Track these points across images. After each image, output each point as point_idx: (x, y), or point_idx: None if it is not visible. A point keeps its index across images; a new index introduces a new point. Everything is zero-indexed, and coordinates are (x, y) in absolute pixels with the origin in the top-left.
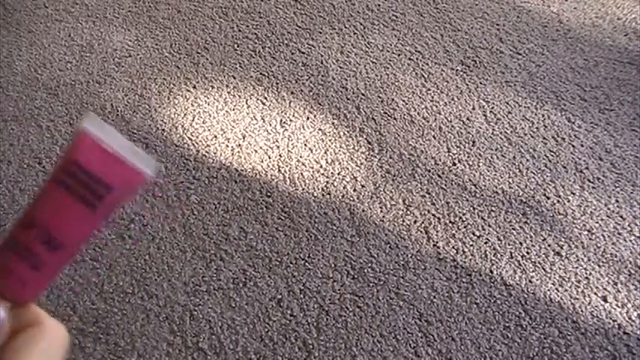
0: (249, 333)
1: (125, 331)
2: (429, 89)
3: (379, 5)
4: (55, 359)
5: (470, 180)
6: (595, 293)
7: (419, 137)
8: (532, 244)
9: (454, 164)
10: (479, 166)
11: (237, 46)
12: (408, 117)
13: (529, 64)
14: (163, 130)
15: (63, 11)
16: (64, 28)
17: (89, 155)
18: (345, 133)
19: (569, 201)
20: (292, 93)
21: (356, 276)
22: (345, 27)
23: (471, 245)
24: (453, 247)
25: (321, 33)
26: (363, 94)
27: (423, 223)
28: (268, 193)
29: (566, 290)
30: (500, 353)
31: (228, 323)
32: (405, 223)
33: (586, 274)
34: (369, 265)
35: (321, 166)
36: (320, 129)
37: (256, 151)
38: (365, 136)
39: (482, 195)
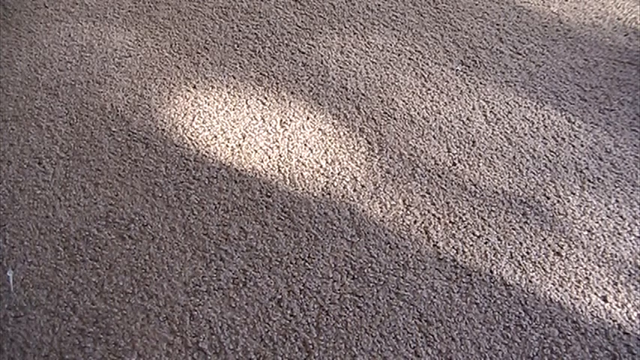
0: (249, 333)
1: (125, 331)
2: (429, 89)
3: (379, 5)
4: None
5: (470, 180)
6: (595, 293)
7: (419, 137)
8: (532, 244)
9: (454, 164)
10: (479, 166)
11: (237, 46)
12: (408, 117)
13: (529, 64)
14: (163, 130)
15: (63, 11)
16: (64, 28)
17: None
18: (345, 133)
19: (569, 201)
20: (292, 93)
21: (356, 276)
22: (345, 27)
23: (471, 245)
24: (453, 247)
25: (321, 33)
26: (363, 94)
27: (423, 223)
28: (268, 193)
29: (566, 290)
30: (500, 353)
31: (228, 323)
32: (405, 223)
33: (586, 274)
34: (369, 265)
35: (321, 166)
36: (320, 129)
37: (256, 151)
38: (365, 136)
39: (482, 195)
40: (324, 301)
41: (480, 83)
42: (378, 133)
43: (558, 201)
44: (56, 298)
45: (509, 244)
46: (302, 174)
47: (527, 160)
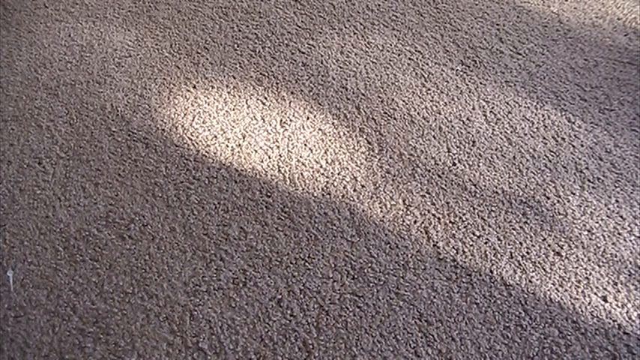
0: (249, 333)
1: (125, 331)
2: (429, 89)
3: (379, 5)
4: None
5: (470, 180)
6: (595, 293)
7: (419, 137)
8: (532, 244)
9: (454, 164)
10: (479, 166)
11: (237, 46)
12: (408, 117)
13: (529, 64)
14: (163, 130)
15: (63, 11)
16: (64, 28)
17: None
18: (345, 133)
19: (569, 201)
20: (292, 93)
21: (356, 276)
22: (345, 27)
23: (471, 245)
24: (453, 247)
25: (321, 33)
26: (363, 94)
27: (423, 223)
28: (268, 193)
29: (566, 290)
30: (500, 353)
31: (228, 323)
32: (405, 223)
33: (586, 274)
34: (369, 265)
35: (321, 166)
36: (320, 129)
37: (256, 151)
38: (365, 136)
39: (482, 195)
40: (324, 301)
41: (480, 83)
42: (378, 133)
43: (558, 201)
44: (56, 298)
45: (509, 244)
46: (302, 174)
47: (527, 160)
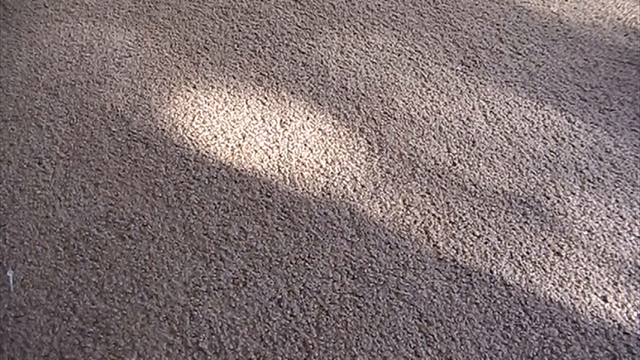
0: (249, 333)
1: (125, 331)
2: (429, 89)
3: (379, 5)
4: None
5: (470, 180)
6: (595, 293)
7: (419, 137)
8: (532, 244)
9: (454, 164)
10: (479, 166)
11: (237, 46)
12: (408, 117)
13: (529, 64)
14: (163, 130)
15: (63, 11)
16: (64, 28)
17: None
18: (345, 133)
19: (569, 201)
20: (292, 93)
21: (356, 276)
22: (345, 27)
23: (471, 245)
24: (453, 247)
25: (321, 33)
26: (363, 94)
27: (423, 223)
28: (268, 193)
29: (566, 290)
30: (500, 353)
31: (228, 323)
32: (405, 223)
33: (586, 274)
34: (369, 265)
35: (321, 166)
36: (320, 129)
37: (256, 151)
38: (365, 136)
39: (482, 195)
40: (324, 301)
41: (480, 83)
42: (378, 133)
43: (558, 201)
44: (56, 298)
45: (509, 244)
46: (302, 174)
47: (527, 160)
